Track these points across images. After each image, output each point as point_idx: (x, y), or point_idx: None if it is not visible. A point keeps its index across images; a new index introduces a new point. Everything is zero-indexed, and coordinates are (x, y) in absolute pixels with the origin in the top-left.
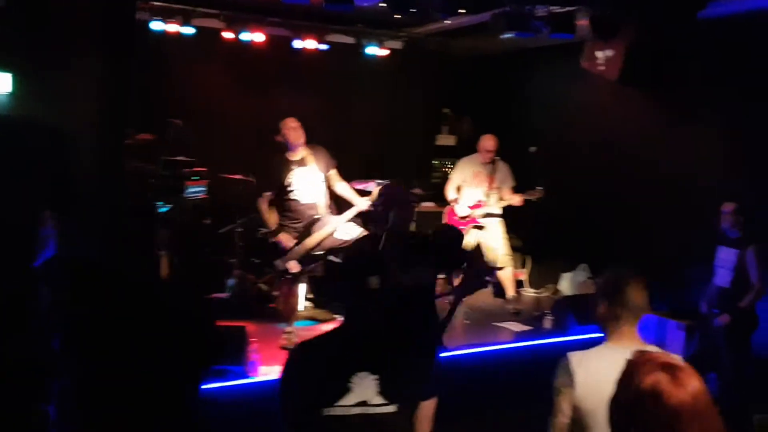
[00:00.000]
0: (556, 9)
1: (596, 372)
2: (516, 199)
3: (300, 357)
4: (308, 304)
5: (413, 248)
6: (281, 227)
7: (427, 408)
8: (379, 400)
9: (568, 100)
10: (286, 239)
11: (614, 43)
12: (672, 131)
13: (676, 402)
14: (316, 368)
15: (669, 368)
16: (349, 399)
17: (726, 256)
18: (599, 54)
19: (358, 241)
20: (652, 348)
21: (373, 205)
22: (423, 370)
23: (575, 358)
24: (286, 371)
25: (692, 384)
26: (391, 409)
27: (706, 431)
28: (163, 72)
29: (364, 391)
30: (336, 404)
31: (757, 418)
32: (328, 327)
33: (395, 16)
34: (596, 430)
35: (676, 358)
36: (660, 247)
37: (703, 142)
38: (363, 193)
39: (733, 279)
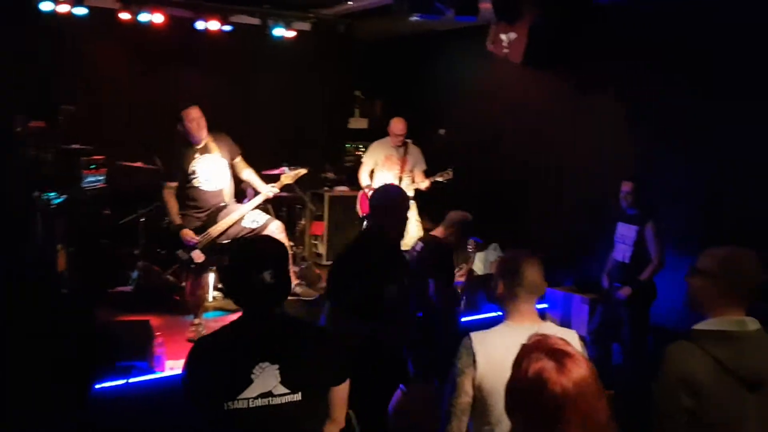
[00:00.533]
0: None
1: (496, 351)
2: (426, 183)
3: (200, 351)
4: (217, 294)
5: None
6: (184, 217)
7: (340, 392)
8: (282, 389)
9: (475, 82)
10: (188, 236)
11: (517, 26)
12: (573, 112)
13: (560, 390)
14: (216, 361)
15: (556, 355)
16: (252, 390)
17: (625, 232)
18: (503, 36)
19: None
20: (549, 325)
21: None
22: (327, 357)
23: (477, 338)
24: (188, 366)
25: (578, 371)
26: (295, 398)
27: (590, 418)
28: (56, 55)
29: (267, 382)
30: (238, 397)
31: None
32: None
33: None
34: (497, 409)
35: (569, 344)
36: (565, 223)
37: (602, 123)
38: (273, 179)
39: (632, 254)
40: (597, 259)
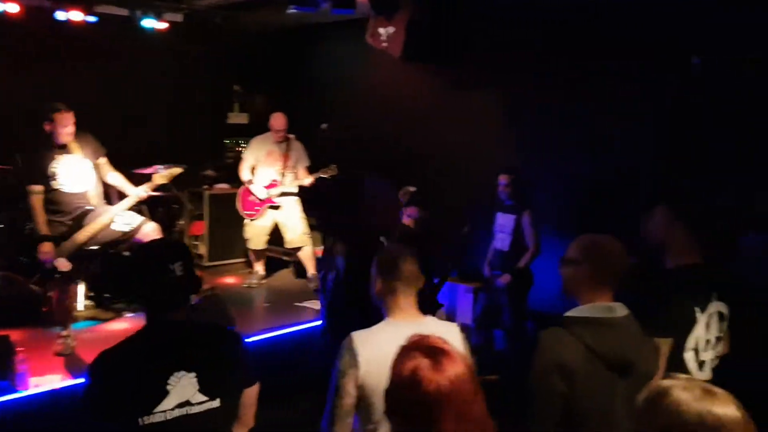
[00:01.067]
0: None
1: (378, 349)
2: (310, 179)
3: (107, 364)
4: (89, 302)
5: None
6: (50, 224)
7: (251, 394)
8: (201, 397)
9: (358, 75)
10: (44, 249)
11: (395, 20)
12: (454, 106)
13: (434, 388)
14: (127, 374)
15: (432, 353)
16: (169, 402)
17: (504, 221)
18: (382, 30)
19: None
20: (430, 319)
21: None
22: (238, 358)
23: (358, 337)
24: (94, 381)
25: (453, 370)
26: (215, 404)
27: (465, 417)
28: None
29: (184, 391)
30: (155, 410)
31: None
32: (113, 326)
33: None
34: (380, 409)
35: (447, 342)
36: (448, 216)
37: (482, 117)
38: (146, 179)
39: (511, 242)
40: (479, 250)
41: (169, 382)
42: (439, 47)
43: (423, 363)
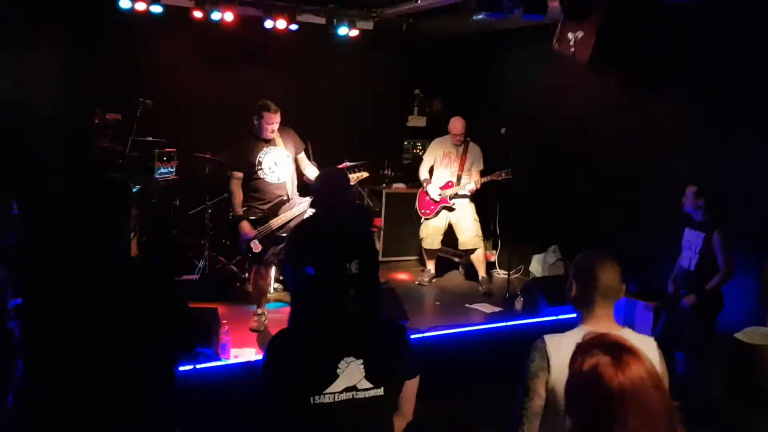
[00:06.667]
0: None
1: (570, 354)
2: (478, 182)
3: (283, 345)
4: (278, 285)
5: None
6: (247, 208)
7: (411, 386)
8: (367, 384)
9: (537, 81)
10: (245, 228)
11: (585, 24)
12: (640, 112)
13: (617, 385)
14: (301, 356)
15: (613, 350)
16: (338, 385)
17: (691, 238)
18: (570, 36)
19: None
20: (628, 331)
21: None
22: (403, 350)
23: (551, 341)
24: (269, 359)
25: (636, 367)
26: (379, 392)
27: (649, 416)
28: (132, 51)
29: (352, 377)
30: (325, 392)
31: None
32: None
33: None
34: None
35: (630, 340)
36: (629, 227)
37: (671, 123)
38: None
39: (698, 261)
40: (664, 265)
41: (339, 366)
42: (629, 51)
43: (603, 360)
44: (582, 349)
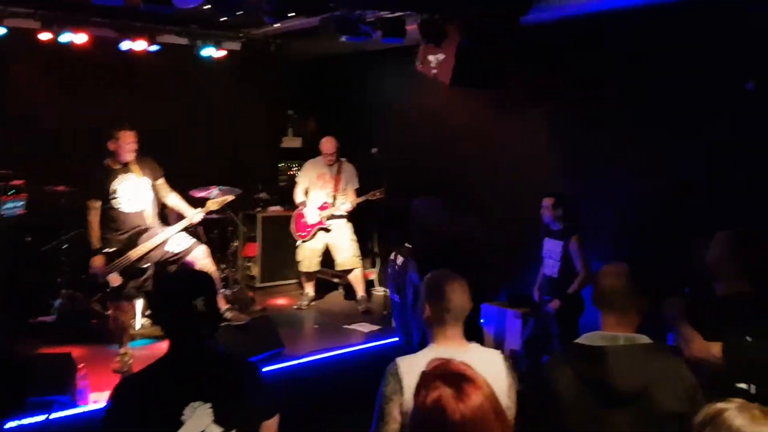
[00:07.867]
0: (386, 14)
1: None
2: (354, 202)
3: (125, 392)
4: (145, 321)
5: None
6: (104, 240)
7: (269, 428)
8: (216, 429)
9: (408, 101)
10: (96, 263)
11: (444, 47)
12: (501, 130)
13: (459, 417)
14: (143, 403)
15: (454, 381)
16: None
17: (552, 247)
18: (431, 58)
19: None
20: (475, 347)
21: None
22: (255, 390)
23: (403, 363)
24: (111, 407)
25: (476, 397)
26: None
27: None
28: None
29: (199, 422)
30: None
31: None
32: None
33: (221, 19)
34: None
35: (475, 360)
36: (496, 239)
37: (528, 140)
38: (201, 202)
39: (560, 268)
40: (529, 274)
41: (184, 412)
42: (490, 72)
43: (445, 392)
44: (425, 381)
